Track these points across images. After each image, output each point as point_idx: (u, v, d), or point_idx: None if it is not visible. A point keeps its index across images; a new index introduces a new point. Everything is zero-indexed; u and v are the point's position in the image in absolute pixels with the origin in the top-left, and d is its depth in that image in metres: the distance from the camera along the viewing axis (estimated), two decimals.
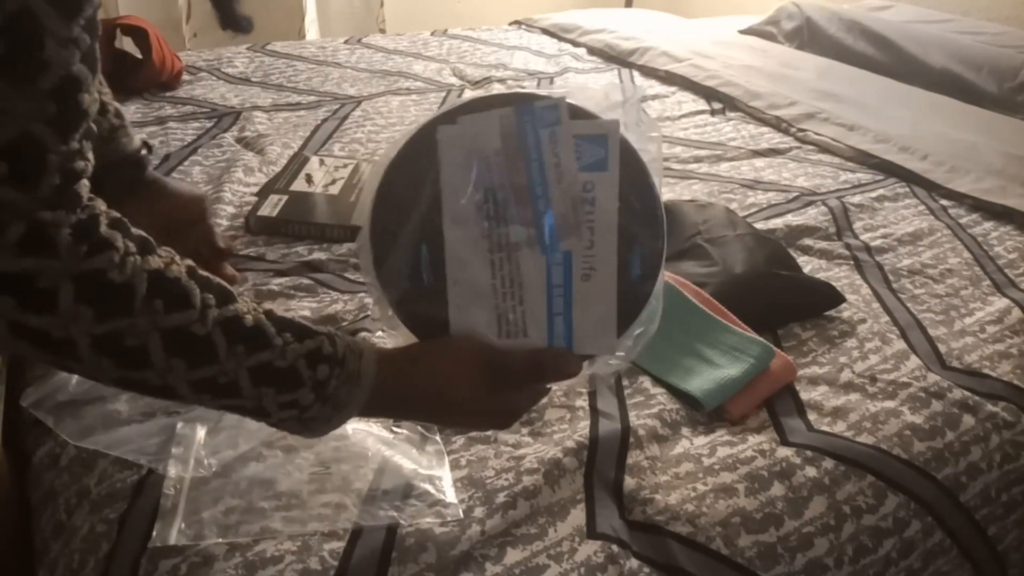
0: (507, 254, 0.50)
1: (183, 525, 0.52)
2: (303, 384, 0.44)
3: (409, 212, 0.50)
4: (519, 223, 0.49)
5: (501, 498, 0.57)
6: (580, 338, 0.52)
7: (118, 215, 0.41)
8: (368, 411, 0.49)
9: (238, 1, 0.56)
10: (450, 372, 0.50)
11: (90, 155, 0.40)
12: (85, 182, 0.39)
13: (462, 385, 0.50)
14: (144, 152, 0.73)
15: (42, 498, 0.60)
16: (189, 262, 0.43)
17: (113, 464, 0.58)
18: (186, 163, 1.07)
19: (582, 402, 0.68)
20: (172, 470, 0.56)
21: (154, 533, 0.52)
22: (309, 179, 1.01)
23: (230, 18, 0.54)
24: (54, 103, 0.36)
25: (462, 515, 0.55)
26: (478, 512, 0.56)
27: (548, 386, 0.55)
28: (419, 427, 0.62)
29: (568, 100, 0.48)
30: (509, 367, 0.51)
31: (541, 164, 0.48)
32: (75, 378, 0.64)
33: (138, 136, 0.72)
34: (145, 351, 0.40)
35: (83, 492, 0.57)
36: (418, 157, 0.49)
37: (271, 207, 0.93)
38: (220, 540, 0.52)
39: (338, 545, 0.53)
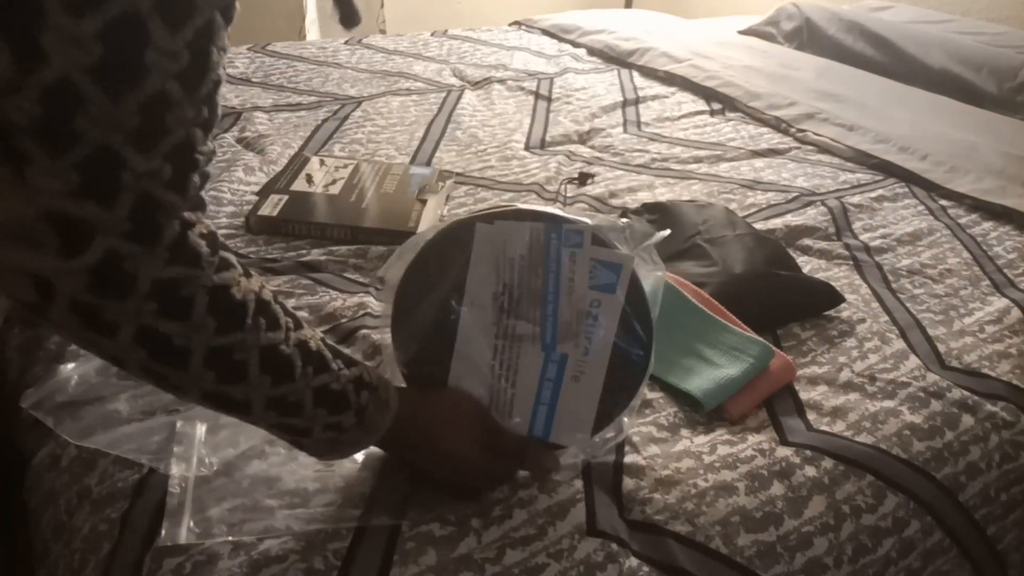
0: (510, 343, 0.57)
1: (191, 523, 0.53)
2: (349, 407, 0.48)
3: (434, 287, 0.57)
4: (527, 320, 0.56)
5: (497, 511, 0.57)
6: (558, 429, 0.58)
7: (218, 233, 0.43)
8: (383, 441, 0.53)
9: None
10: (452, 417, 0.55)
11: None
12: (210, 147, 0.40)
13: (460, 434, 0.54)
14: None
15: (42, 499, 0.60)
16: (270, 287, 0.46)
17: (113, 464, 0.58)
18: None
19: None
20: (175, 469, 0.56)
21: (162, 532, 0.52)
22: (309, 179, 1.01)
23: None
24: (206, 107, 0.38)
25: (455, 520, 0.55)
26: (475, 523, 0.56)
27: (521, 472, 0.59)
28: None
29: (593, 230, 0.55)
30: (501, 433, 0.57)
31: (558, 276, 0.55)
32: (74, 379, 0.64)
33: None
34: (245, 366, 0.42)
35: (84, 492, 0.57)
36: (453, 244, 0.56)
37: (271, 207, 0.93)
38: (229, 538, 0.52)
39: (341, 545, 0.53)
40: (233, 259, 0.42)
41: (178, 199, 0.38)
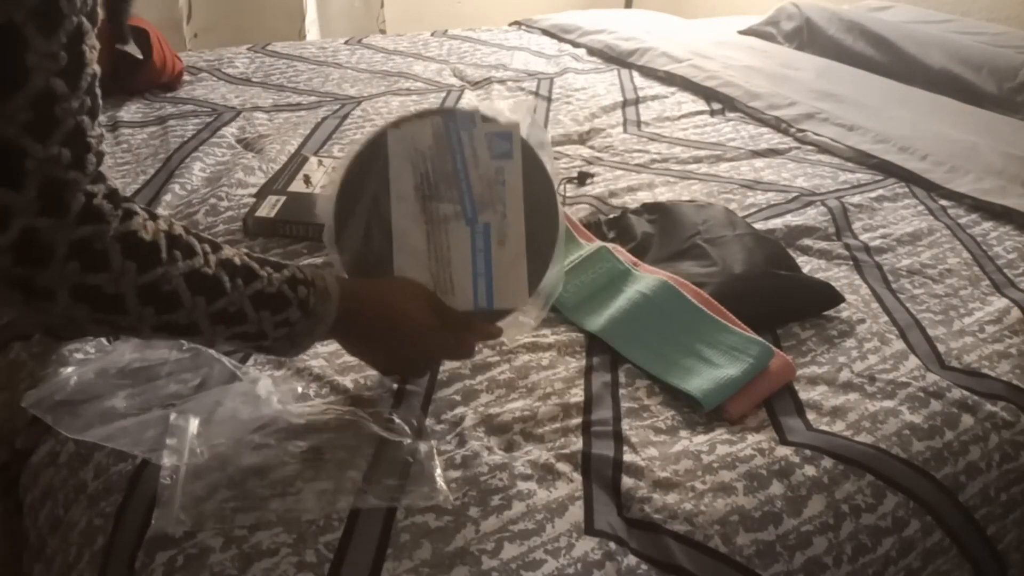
0: (439, 225, 0.64)
1: (181, 513, 0.53)
2: (290, 303, 0.54)
3: (363, 194, 0.64)
4: (448, 200, 0.64)
5: (496, 500, 0.57)
6: (499, 295, 0.65)
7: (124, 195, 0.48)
8: (338, 326, 0.58)
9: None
10: (403, 298, 0.61)
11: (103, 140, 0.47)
12: (98, 131, 0.46)
13: (414, 310, 0.61)
14: None
15: (40, 496, 0.60)
16: (182, 223, 0.52)
17: (108, 457, 0.59)
18: (187, 160, 1.08)
19: (576, 418, 0.67)
20: (167, 460, 0.57)
21: (153, 521, 0.53)
22: (307, 180, 1.01)
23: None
24: (89, 97, 0.43)
25: (451, 503, 0.56)
26: (473, 512, 0.56)
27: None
28: (412, 420, 0.63)
29: (481, 110, 0.64)
30: (446, 310, 0.63)
31: (463, 155, 0.63)
32: (73, 380, 0.64)
33: None
34: (176, 294, 0.48)
35: (80, 487, 0.58)
36: (373, 154, 0.64)
37: (269, 208, 0.93)
38: (218, 527, 0.52)
39: (333, 538, 0.53)
40: (136, 207, 0.48)
41: (79, 175, 0.44)
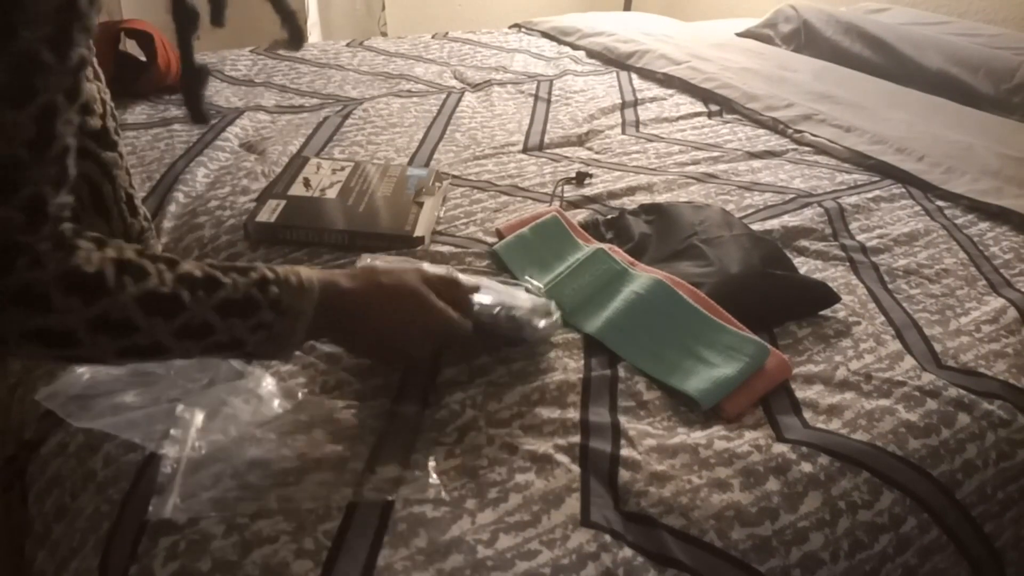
0: None
1: (178, 500, 0.54)
2: (260, 306, 0.53)
3: None
4: None
5: (493, 493, 0.58)
6: None
7: (73, 225, 0.48)
8: (323, 319, 0.56)
9: (204, 98, 0.70)
10: (394, 275, 0.60)
11: (66, 176, 0.47)
12: (63, 200, 0.46)
13: (408, 281, 0.60)
14: None
15: (46, 484, 0.61)
16: (136, 246, 0.51)
17: (118, 447, 0.60)
18: (191, 165, 1.08)
19: (573, 413, 0.67)
20: (169, 450, 0.58)
21: (150, 508, 0.54)
22: (307, 183, 1.01)
23: (296, 36, 0.68)
24: (55, 168, 0.44)
25: (445, 496, 0.57)
26: (470, 504, 0.56)
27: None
28: (411, 412, 0.63)
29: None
30: (432, 311, 0.62)
31: None
32: (86, 376, 0.66)
33: (159, 244, 0.83)
34: (129, 320, 0.47)
35: (89, 475, 0.59)
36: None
37: (269, 212, 0.92)
38: (213, 515, 0.53)
39: (332, 526, 0.54)
40: (82, 241, 0.47)
41: (30, 239, 0.44)
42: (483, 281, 0.72)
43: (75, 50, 0.44)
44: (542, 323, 0.71)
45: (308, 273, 0.57)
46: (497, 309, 0.69)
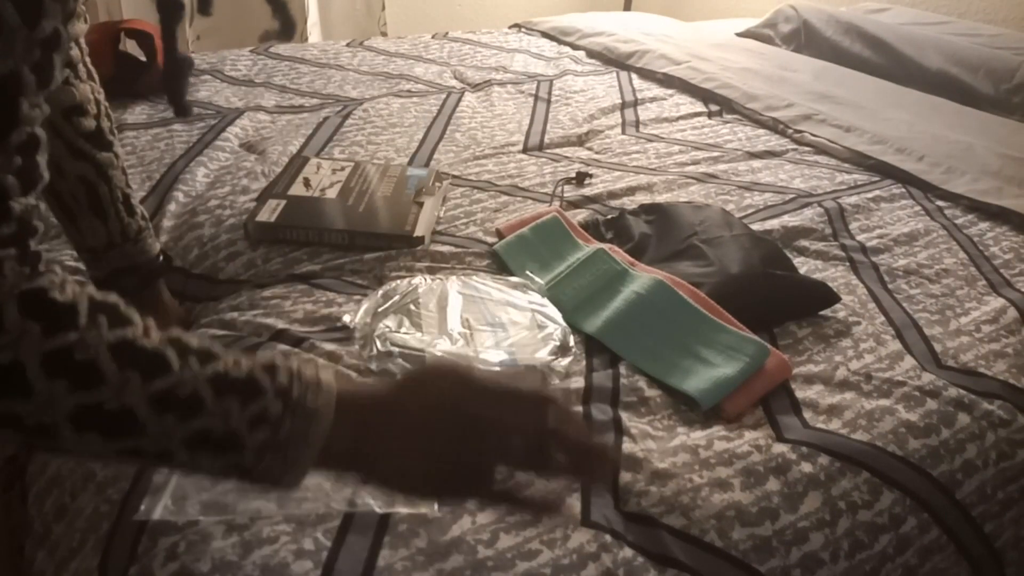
0: None
1: (168, 502, 0.54)
2: (264, 392, 0.39)
3: None
4: None
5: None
6: None
7: (52, 255, 0.41)
8: (344, 434, 0.41)
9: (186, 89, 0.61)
10: (433, 376, 0.44)
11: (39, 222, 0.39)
12: (30, 201, 0.38)
13: (454, 384, 0.43)
14: (160, 260, 0.78)
15: (46, 484, 0.61)
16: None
17: None
18: (191, 165, 1.08)
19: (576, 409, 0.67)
20: None
21: (141, 507, 0.54)
22: (307, 183, 1.01)
23: (182, 108, 0.60)
24: (20, 157, 0.36)
25: (434, 512, 0.55)
26: (470, 504, 0.56)
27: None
28: None
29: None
30: (501, 377, 0.47)
31: None
32: None
33: (157, 243, 0.79)
34: (95, 364, 0.36)
35: (88, 475, 0.59)
36: None
37: (269, 212, 0.92)
38: (202, 518, 0.53)
39: (331, 526, 0.54)
40: (60, 271, 0.38)
41: None
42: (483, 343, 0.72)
43: (46, 20, 0.36)
44: (563, 363, 0.72)
45: (319, 369, 0.42)
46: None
